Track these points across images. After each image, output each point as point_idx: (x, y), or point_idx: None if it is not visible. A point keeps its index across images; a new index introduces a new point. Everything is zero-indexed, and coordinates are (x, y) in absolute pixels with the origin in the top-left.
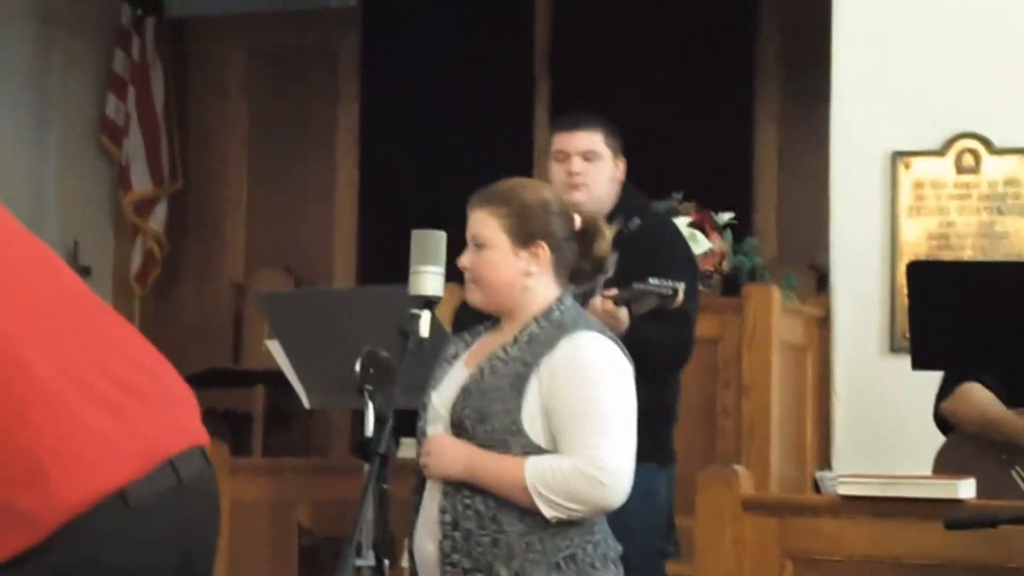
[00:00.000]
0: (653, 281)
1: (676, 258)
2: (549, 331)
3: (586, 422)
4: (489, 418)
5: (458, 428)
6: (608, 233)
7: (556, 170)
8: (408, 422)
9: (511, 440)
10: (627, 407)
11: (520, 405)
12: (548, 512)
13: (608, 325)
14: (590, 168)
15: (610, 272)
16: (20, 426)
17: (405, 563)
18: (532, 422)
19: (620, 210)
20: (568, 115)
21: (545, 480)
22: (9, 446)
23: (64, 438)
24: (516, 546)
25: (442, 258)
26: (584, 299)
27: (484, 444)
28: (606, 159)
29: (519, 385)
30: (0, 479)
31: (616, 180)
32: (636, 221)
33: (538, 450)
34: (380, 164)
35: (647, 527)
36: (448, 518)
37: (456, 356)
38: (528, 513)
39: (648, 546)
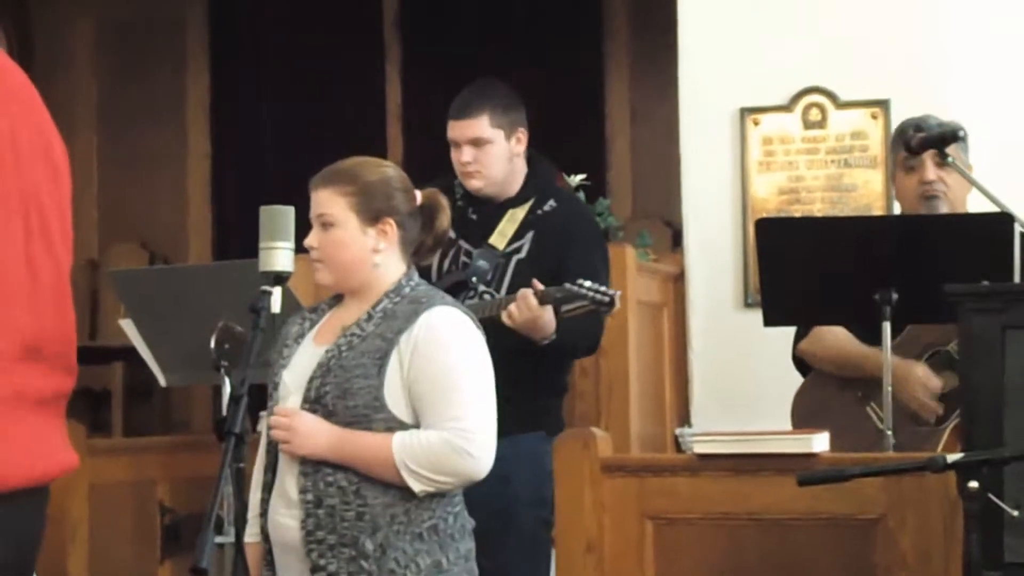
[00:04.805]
0: (587, 284)
1: (595, 250)
2: (404, 306)
3: (449, 395)
4: (351, 394)
5: (316, 405)
6: (447, 207)
7: (453, 156)
8: (264, 397)
9: (373, 416)
10: (486, 378)
11: (382, 380)
12: (417, 486)
13: (528, 327)
14: (480, 154)
15: (523, 253)
16: None
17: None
18: (394, 397)
19: (532, 189)
20: (458, 99)
21: (414, 455)
22: None
23: None
24: (381, 518)
25: (291, 233)
26: (424, 274)
27: (345, 421)
28: (497, 141)
29: (380, 360)
30: None
31: (515, 156)
32: (552, 203)
33: (400, 425)
34: (232, 135)
35: (537, 496)
36: (310, 497)
37: (302, 335)
38: (391, 486)
39: (537, 515)
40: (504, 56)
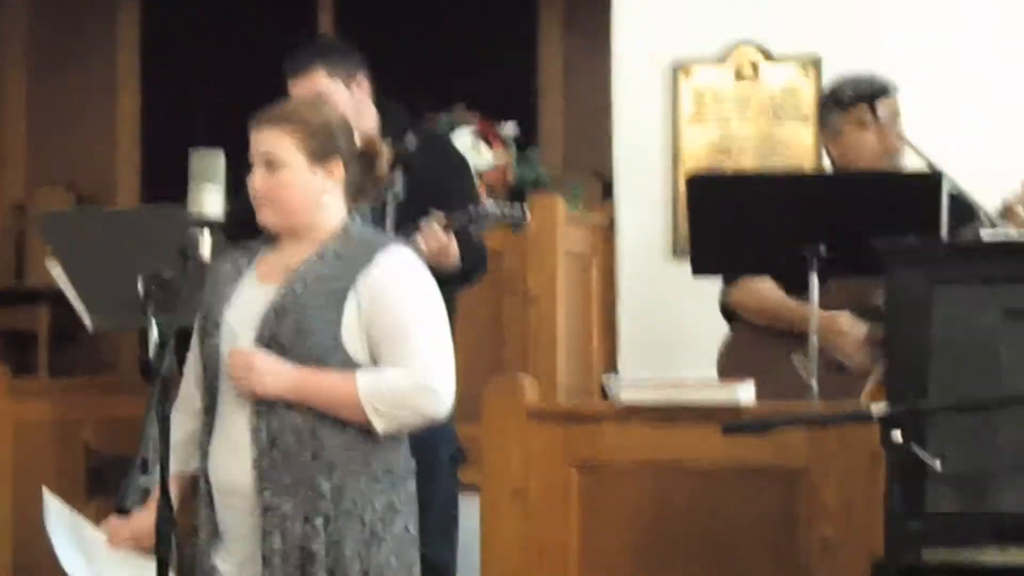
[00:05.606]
0: (491, 204)
1: (470, 177)
2: (356, 247)
3: (412, 334)
4: (309, 333)
5: (270, 344)
6: (386, 153)
7: None
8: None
9: (329, 356)
10: (443, 318)
11: (340, 321)
12: (380, 425)
13: (437, 256)
14: None
15: (400, 193)
16: None
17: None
18: (351, 337)
19: (387, 129)
20: (291, 58)
21: (380, 393)
22: None
23: None
24: (337, 459)
25: (222, 176)
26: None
27: (301, 360)
28: (337, 91)
29: (337, 301)
30: None
31: (360, 103)
32: (412, 140)
33: (355, 366)
34: (163, 77)
35: (446, 433)
36: (264, 436)
37: (239, 273)
38: (348, 426)
39: (446, 451)
40: (437, 7)
